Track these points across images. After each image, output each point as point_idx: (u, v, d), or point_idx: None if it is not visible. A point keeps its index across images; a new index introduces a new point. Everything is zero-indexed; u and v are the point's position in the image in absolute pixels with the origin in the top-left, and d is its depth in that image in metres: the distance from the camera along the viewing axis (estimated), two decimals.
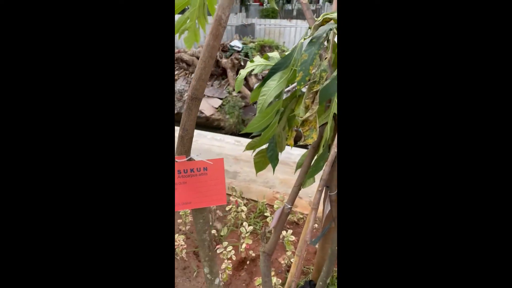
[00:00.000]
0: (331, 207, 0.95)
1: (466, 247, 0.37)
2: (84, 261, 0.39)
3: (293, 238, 1.35)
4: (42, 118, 0.37)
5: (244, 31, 7.30)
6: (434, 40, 0.38)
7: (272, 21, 8.28)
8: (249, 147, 1.04)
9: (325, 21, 0.70)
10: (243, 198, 1.99)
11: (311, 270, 1.39)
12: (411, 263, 0.38)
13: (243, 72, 1.08)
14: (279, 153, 1.09)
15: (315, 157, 0.78)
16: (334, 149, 0.64)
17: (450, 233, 0.37)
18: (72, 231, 0.38)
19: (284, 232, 1.36)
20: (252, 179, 2.39)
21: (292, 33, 7.81)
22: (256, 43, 6.53)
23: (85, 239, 0.39)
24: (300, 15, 12.76)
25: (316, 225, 1.61)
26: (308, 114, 0.74)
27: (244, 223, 1.51)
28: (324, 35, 0.71)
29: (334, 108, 0.80)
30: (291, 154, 2.69)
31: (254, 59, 1.07)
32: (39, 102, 0.37)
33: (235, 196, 1.83)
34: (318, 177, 0.84)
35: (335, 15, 0.72)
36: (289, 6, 13.31)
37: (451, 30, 0.37)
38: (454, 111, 0.37)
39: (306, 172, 0.91)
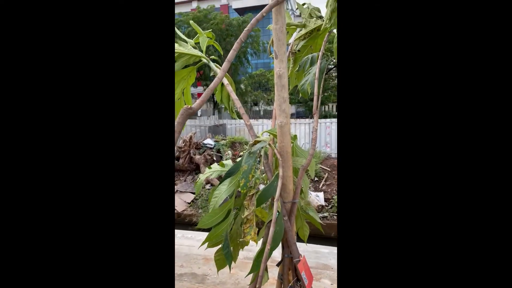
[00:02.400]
0: None
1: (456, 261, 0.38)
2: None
3: None
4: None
5: (216, 130, 8.07)
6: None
7: (242, 120, 9.35)
8: (208, 244, 1.09)
9: (257, 141, 0.93)
10: None
11: None
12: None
13: (202, 177, 1.25)
14: (241, 249, 1.14)
15: (256, 253, 0.86)
16: (267, 246, 0.74)
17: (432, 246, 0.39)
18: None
19: None
20: (222, 281, 2.23)
21: (259, 130, 8.78)
22: (227, 140, 7.17)
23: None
24: (266, 115, 14.66)
25: None
26: (247, 213, 0.87)
27: None
28: (258, 151, 0.93)
29: (278, 207, 0.94)
30: None
31: (212, 166, 1.26)
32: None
33: None
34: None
35: (263, 136, 0.96)
36: (256, 108, 15.51)
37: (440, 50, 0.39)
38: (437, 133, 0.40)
39: (263, 268, 0.96)
